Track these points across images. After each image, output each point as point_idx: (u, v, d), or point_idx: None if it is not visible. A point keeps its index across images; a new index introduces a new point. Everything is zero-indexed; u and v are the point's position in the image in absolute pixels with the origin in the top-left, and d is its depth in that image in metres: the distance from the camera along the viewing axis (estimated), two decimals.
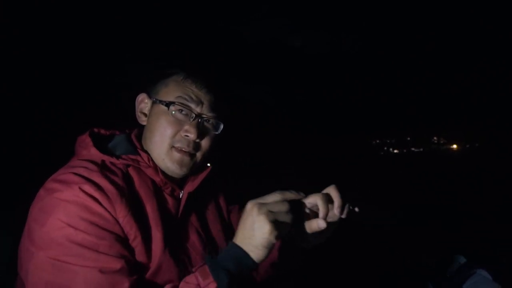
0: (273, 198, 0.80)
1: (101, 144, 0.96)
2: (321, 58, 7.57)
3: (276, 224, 0.76)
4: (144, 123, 1.02)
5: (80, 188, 0.80)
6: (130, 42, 5.12)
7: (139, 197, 0.91)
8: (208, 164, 1.06)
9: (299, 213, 0.85)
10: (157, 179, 0.95)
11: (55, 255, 0.75)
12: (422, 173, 11.63)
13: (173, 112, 0.95)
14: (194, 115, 0.96)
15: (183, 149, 0.95)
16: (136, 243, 0.84)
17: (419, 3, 6.97)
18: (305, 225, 0.87)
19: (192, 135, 0.94)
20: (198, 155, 0.98)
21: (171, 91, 0.98)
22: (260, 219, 0.76)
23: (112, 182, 0.85)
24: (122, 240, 0.82)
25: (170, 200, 0.97)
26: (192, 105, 0.96)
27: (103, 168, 0.88)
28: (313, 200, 0.86)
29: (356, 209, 0.87)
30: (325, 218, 0.83)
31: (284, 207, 0.79)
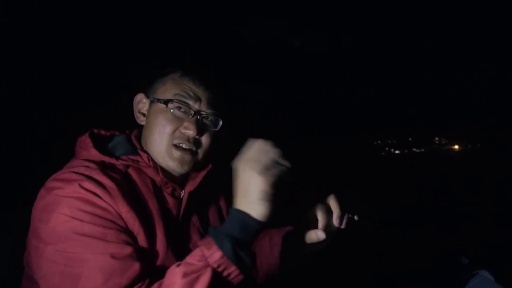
0: (255, 149, 0.79)
1: (101, 145, 0.96)
2: (321, 58, 7.56)
3: (266, 171, 0.75)
4: (142, 123, 1.02)
5: (80, 185, 0.80)
6: (130, 42, 5.12)
7: (140, 197, 0.91)
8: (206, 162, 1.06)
9: (299, 222, 0.85)
10: (158, 178, 0.95)
11: (64, 248, 0.75)
12: (424, 174, 11.63)
13: (172, 110, 0.95)
14: (192, 112, 0.96)
15: (183, 146, 0.94)
16: (140, 238, 0.84)
17: (419, 3, 6.96)
18: (305, 235, 0.88)
19: (191, 132, 0.94)
20: (199, 152, 0.98)
21: (168, 89, 0.98)
22: (246, 173, 0.75)
23: (113, 180, 0.85)
24: (127, 230, 0.81)
25: (170, 200, 0.97)
26: (190, 102, 0.96)
27: (103, 168, 0.88)
28: (313, 211, 0.87)
29: (356, 218, 0.87)
30: (324, 229, 0.83)
31: (270, 153, 0.78)
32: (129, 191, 0.89)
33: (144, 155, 0.97)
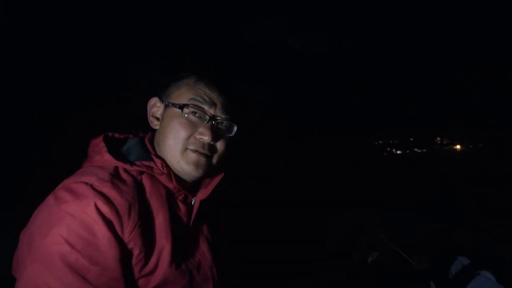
0: None
1: (114, 148, 0.95)
2: (321, 58, 7.56)
3: None
4: (156, 127, 1.02)
5: (88, 204, 0.80)
6: (130, 42, 5.12)
7: (150, 207, 0.90)
8: (219, 169, 1.05)
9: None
10: (171, 185, 0.94)
11: (43, 277, 0.75)
12: (426, 174, 11.62)
13: (187, 115, 0.94)
14: (208, 117, 0.95)
15: (199, 151, 0.94)
16: (140, 257, 0.84)
17: (419, 3, 6.96)
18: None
19: (206, 138, 0.93)
20: (214, 157, 0.98)
21: (183, 93, 0.98)
22: None
23: (123, 194, 0.84)
24: (117, 265, 0.81)
25: (182, 207, 0.96)
26: (206, 107, 0.96)
27: (115, 177, 0.87)
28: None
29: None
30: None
31: None
32: (140, 204, 0.89)
33: (158, 161, 0.96)
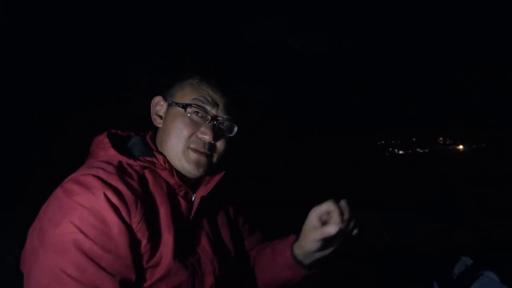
0: None
1: (118, 145, 0.97)
2: (321, 58, 7.57)
3: None
4: (159, 125, 1.03)
5: (98, 194, 0.81)
6: (130, 42, 5.12)
7: (154, 200, 0.91)
8: (219, 168, 1.07)
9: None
10: (172, 181, 0.95)
11: (57, 264, 0.76)
12: (428, 174, 11.61)
13: (189, 114, 0.96)
14: (209, 117, 0.97)
15: (199, 150, 0.96)
16: (147, 248, 0.85)
17: (419, 3, 6.97)
18: (316, 231, 0.89)
19: (208, 137, 0.95)
20: (214, 156, 1.00)
21: (187, 93, 1.00)
22: None
23: (129, 187, 0.86)
24: (128, 252, 0.82)
25: (183, 203, 0.98)
26: (208, 107, 0.98)
27: (120, 170, 0.88)
28: (327, 208, 0.88)
29: (359, 229, 0.89)
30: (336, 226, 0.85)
31: None
32: (144, 196, 0.91)
33: (160, 157, 0.98)
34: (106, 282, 0.79)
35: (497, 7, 6.94)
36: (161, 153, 0.97)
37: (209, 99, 0.99)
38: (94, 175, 0.84)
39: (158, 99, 1.05)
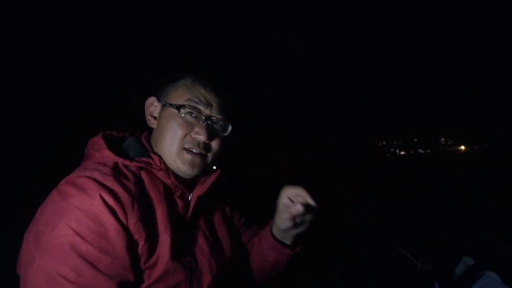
0: None
1: (113, 146, 0.97)
2: (321, 58, 7.57)
3: None
4: (153, 126, 1.04)
5: (94, 196, 0.80)
6: (130, 42, 5.12)
7: (150, 201, 0.92)
8: (214, 167, 1.08)
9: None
10: (168, 181, 0.96)
11: (54, 267, 0.75)
12: (430, 175, 11.61)
13: (183, 115, 0.97)
14: (203, 118, 0.98)
15: (194, 150, 0.96)
16: (144, 249, 0.85)
17: (419, 3, 6.97)
18: (286, 211, 0.96)
19: (202, 137, 0.96)
20: (209, 156, 1.00)
21: (181, 94, 1.00)
22: None
23: (126, 188, 0.86)
24: (126, 254, 0.82)
25: (179, 203, 0.99)
26: (202, 108, 0.99)
27: (116, 171, 0.88)
28: (295, 190, 0.94)
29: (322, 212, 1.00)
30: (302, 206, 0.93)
31: None
32: (140, 198, 0.91)
33: (156, 157, 0.99)
34: (104, 284, 0.78)
35: (497, 7, 6.94)
36: (156, 154, 0.97)
37: (203, 99, 0.99)
38: (89, 177, 0.84)
39: (152, 99, 1.05)
